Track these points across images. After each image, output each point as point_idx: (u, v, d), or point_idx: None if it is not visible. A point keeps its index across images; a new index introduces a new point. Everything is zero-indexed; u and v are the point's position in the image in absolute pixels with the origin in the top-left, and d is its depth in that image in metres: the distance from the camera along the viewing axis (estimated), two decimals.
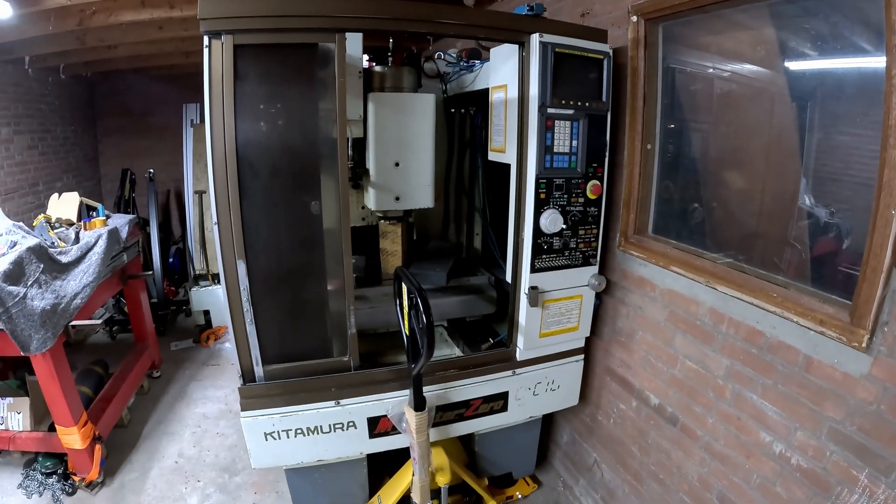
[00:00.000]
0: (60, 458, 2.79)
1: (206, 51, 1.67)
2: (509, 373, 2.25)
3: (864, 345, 1.39)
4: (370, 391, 2.08)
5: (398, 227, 2.35)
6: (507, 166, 2.15)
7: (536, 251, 2.09)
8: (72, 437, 2.62)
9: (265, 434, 2.01)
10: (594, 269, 2.23)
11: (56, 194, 3.23)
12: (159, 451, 3.04)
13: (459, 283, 2.40)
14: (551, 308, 2.19)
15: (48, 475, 2.80)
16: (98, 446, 2.79)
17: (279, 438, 2.03)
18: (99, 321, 2.87)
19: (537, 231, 2.06)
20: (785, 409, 1.65)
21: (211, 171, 1.77)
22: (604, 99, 2.08)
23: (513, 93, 2.06)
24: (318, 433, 2.06)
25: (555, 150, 2.03)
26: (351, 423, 2.09)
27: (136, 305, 3.44)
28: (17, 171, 4.40)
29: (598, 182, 2.13)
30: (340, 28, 1.76)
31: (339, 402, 2.05)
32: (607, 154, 2.14)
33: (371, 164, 2.19)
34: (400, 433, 2.09)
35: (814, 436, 1.56)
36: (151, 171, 4.79)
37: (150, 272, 3.37)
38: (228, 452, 2.99)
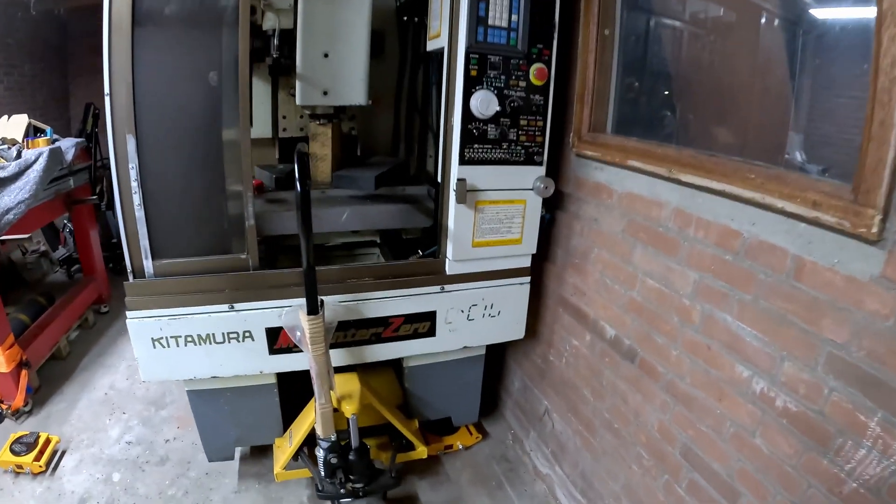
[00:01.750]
0: None
1: None
2: (437, 288, 1.88)
3: (874, 230, 0.95)
4: (270, 296, 1.73)
5: (328, 129, 2.01)
6: None
7: (466, 138, 1.72)
8: None
9: (153, 340, 1.68)
10: (540, 170, 1.84)
11: (6, 116, 3.01)
12: (91, 382, 2.76)
13: (392, 192, 2.05)
14: (487, 211, 1.82)
15: None
16: (24, 372, 2.52)
17: (168, 346, 1.70)
18: (27, 235, 2.63)
19: (467, 114, 1.70)
20: (768, 332, 1.23)
21: (106, 27, 1.48)
22: None
23: None
24: (210, 342, 1.72)
25: (490, 23, 1.67)
26: (247, 334, 1.74)
27: (84, 235, 3.20)
28: None
29: (543, 66, 1.75)
30: None
31: (232, 307, 1.71)
32: (556, 35, 1.75)
33: (298, 54, 1.85)
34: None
35: (807, 367, 1.13)
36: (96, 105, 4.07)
37: (96, 197, 3.10)
38: (159, 387, 2.69)
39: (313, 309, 1.62)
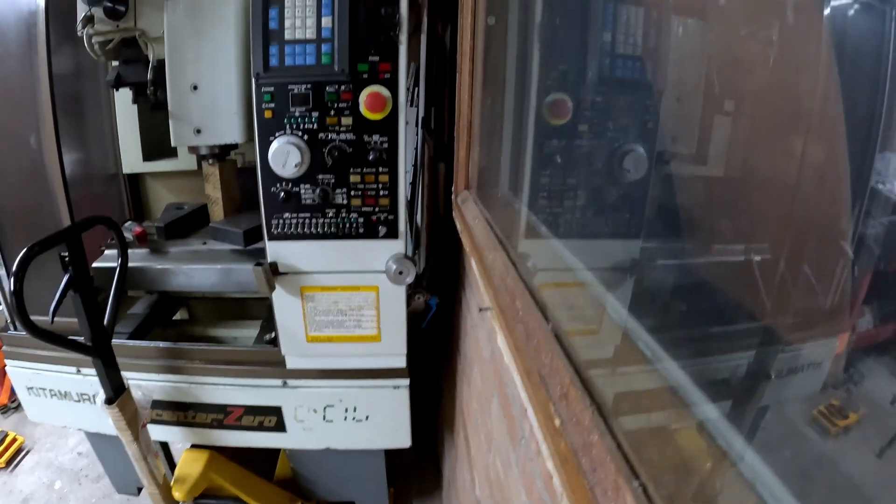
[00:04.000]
0: None
1: None
2: (278, 382, 1.39)
3: None
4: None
5: (217, 169, 1.65)
6: None
7: (272, 205, 1.17)
8: None
9: (27, 388, 1.64)
10: (396, 244, 1.18)
11: None
12: None
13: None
14: (319, 300, 1.25)
15: None
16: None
17: (39, 395, 1.63)
18: None
19: (268, 172, 1.14)
20: None
21: None
22: None
23: None
24: (69, 399, 1.59)
25: (288, 37, 1.07)
26: (95, 397, 1.56)
27: None
28: None
29: (380, 90, 1.07)
30: None
31: (79, 370, 1.54)
32: (402, 36, 1.05)
33: (168, 87, 1.52)
34: None
35: None
36: None
37: None
38: None
39: (109, 398, 1.33)
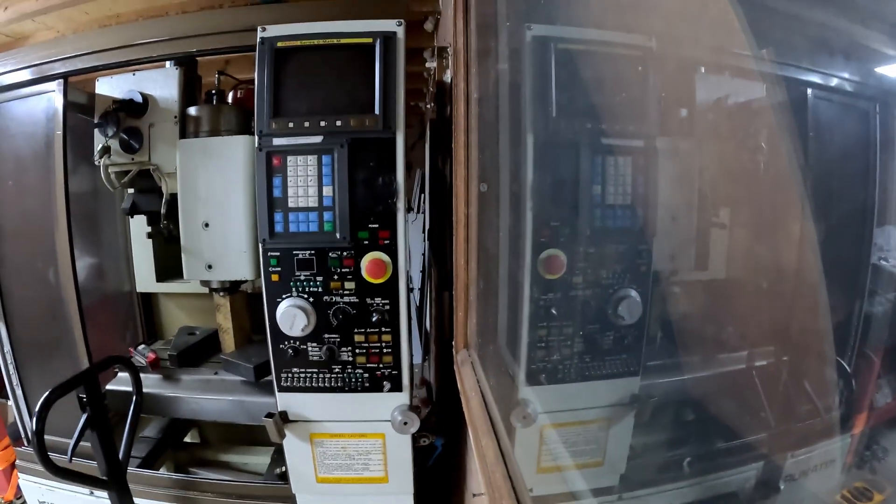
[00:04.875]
0: None
1: None
2: None
3: None
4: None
5: (227, 301, 1.66)
6: None
7: (280, 362, 1.18)
8: None
9: (38, 501, 1.65)
10: (401, 397, 1.18)
11: None
12: None
13: None
14: (328, 446, 1.24)
15: None
16: (16, 470, 2.81)
17: None
18: None
19: (277, 332, 1.16)
20: None
21: None
22: (376, 109, 1.04)
23: None
24: None
25: (292, 205, 1.10)
26: None
27: None
28: None
29: (381, 256, 1.09)
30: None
31: (92, 493, 1.54)
32: (399, 203, 1.07)
33: (180, 223, 1.57)
34: None
35: None
36: None
37: None
38: None
39: None
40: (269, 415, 1.19)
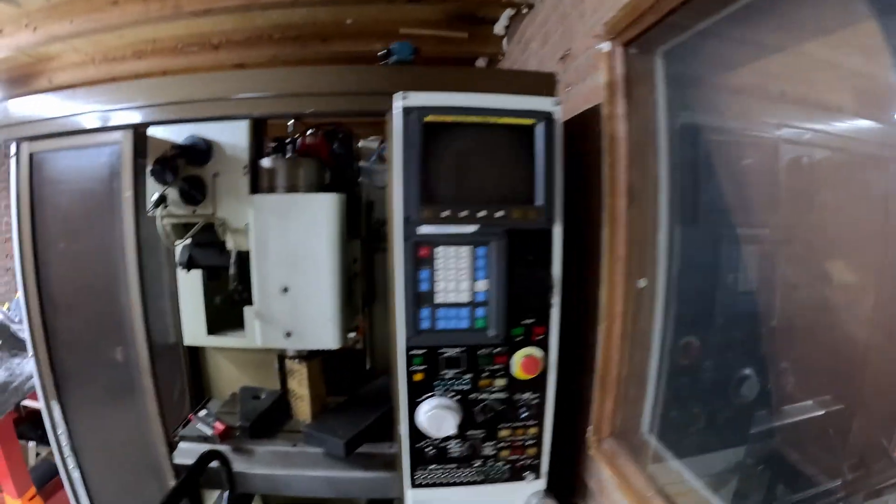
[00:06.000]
0: None
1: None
2: None
3: None
4: None
5: (304, 367, 1.47)
6: None
7: (417, 459, 1.07)
8: None
9: None
10: (538, 484, 1.11)
11: None
12: None
13: (374, 451, 1.36)
14: None
15: None
16: None
17: None
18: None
19: (415, 431, 1.04)
20: None
21: (23, 299, 1.27)
22: (538, 201, 0.95)
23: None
24: None
25: (437, 301, 0.98)
26: None
27: None
28: None
29: (535, 352, 1.01)
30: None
31: None
32: (555, 300, 1.00)
33: (253, 286, 1.35)
34: None
35: None
36: None
37: None
38: None
39: None
40: None
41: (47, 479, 2.54)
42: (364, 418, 1.42)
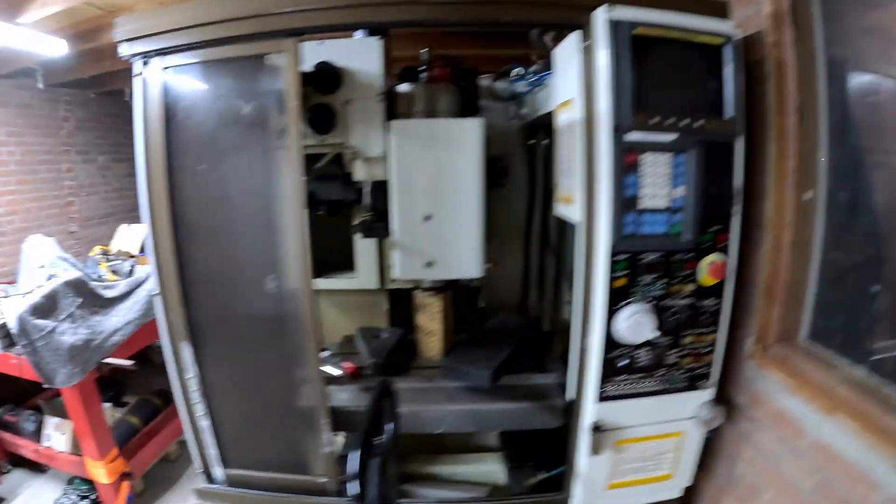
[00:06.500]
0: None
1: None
2: None
3: None
4: None
5: (437, 301, 1.43)
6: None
7: (608, 371, 1.09)
8: (98, 471, 2.19)
9: None
10: (707, 394, 1.16)
11: (126, 224, 2.85)
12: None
13: (515, 383, 1.37)
14: (630, 450, 1.18)
15: (82, 497, 2.39)
16: (125, 483, 2.30)
17: None
18: (131, 362, 2.39)
19: (610, 341, 1.06)
20: None
21: (150, 231, 1.18)
22: (728, 114, 1.02)
23: (578, 111, 1.07)
24: None
25: (641, 206, 1.02)
26: None
27: None
28: (113, 197, 4.17)
29: (719, 258, 1.06)
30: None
31: None
32: (737, 209, 1.06)
33: (393, 216, 1.30)
34: None
35: None
36: None
37: None
38: None
39: None
40: (597, 428, 1.09)
41: (126, 438, 2.39)
42: (500, 351, 1.42)
